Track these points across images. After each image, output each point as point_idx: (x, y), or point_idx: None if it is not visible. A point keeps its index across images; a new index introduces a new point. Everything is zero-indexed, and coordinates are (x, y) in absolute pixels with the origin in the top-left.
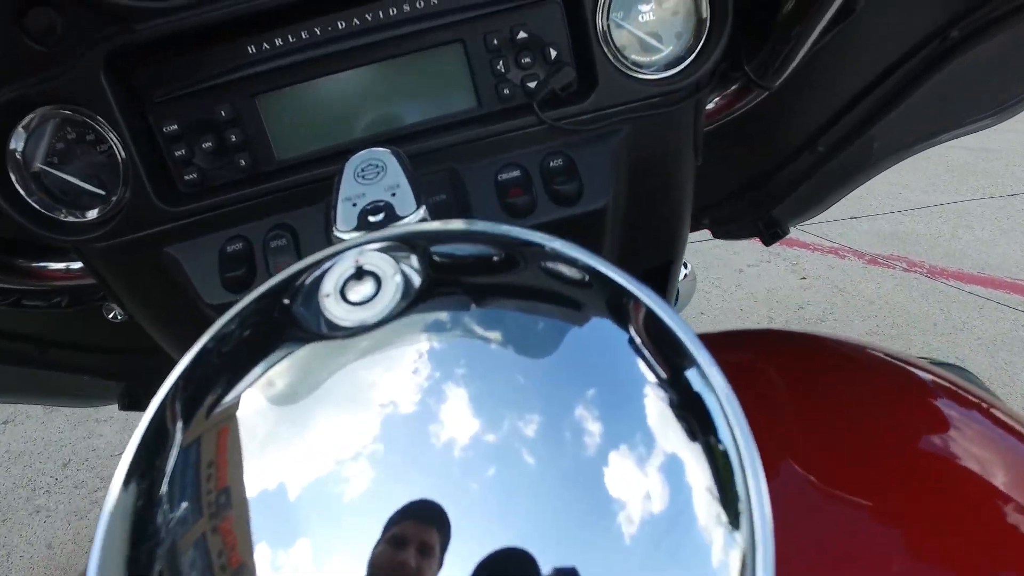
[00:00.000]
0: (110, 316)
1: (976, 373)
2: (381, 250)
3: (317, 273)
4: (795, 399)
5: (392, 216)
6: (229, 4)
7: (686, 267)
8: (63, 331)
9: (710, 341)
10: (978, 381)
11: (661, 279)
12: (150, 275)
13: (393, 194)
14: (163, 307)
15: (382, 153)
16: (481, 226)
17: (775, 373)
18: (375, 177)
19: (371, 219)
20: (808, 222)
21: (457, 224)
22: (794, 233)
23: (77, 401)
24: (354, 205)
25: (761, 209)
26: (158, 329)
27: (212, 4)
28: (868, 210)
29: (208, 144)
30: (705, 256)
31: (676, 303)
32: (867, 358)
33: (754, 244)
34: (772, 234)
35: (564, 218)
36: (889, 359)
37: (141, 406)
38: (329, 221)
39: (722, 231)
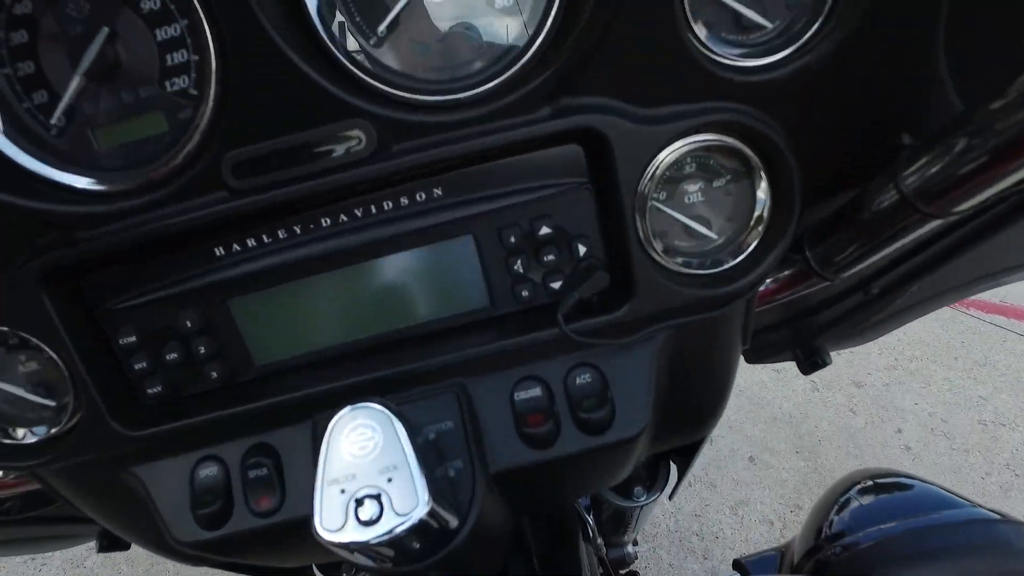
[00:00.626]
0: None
1: (1003, 420)
2: None
3: None
4: None
5: (388, 513)
6: (189, 209)
7: None
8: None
9: None
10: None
11: (688, 454)
12: (115, 492)
13: (390, 479)
14: (135, 522)
15: (375, 413)
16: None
17: None
18: (367, 448)
19: (361, 516)
20: None
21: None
22: None
23: (57, 545)
24: (342, 491)
25: (801, 339)
26: (136, 539)
27: (164, 208)
28: None
29: (174, 355)
30: None
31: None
32: None
33: None
34: (811, 363)
35: (592, 448)
36: None
37: (120, 546)
38: (315, 516)
39: (755, 357)
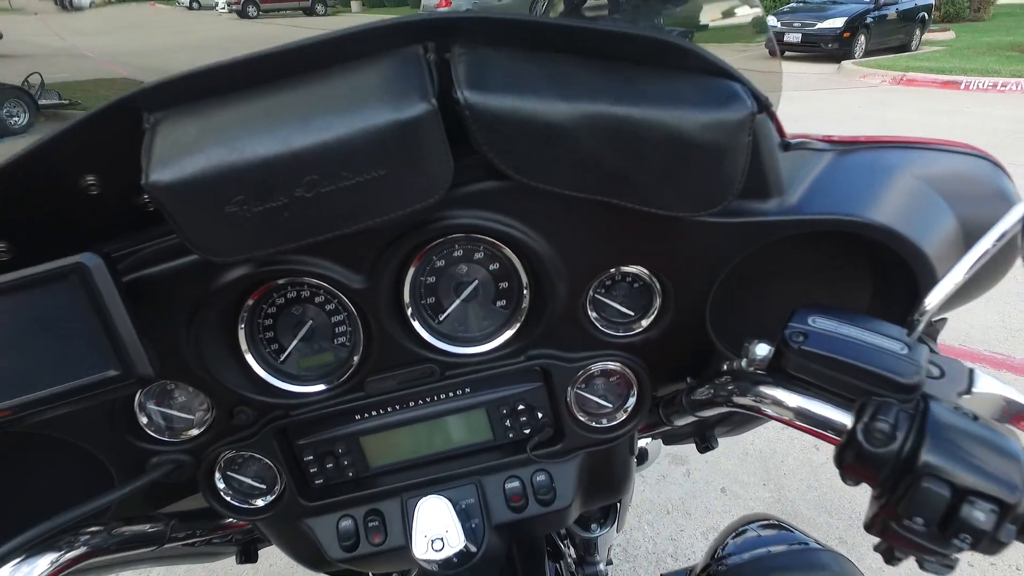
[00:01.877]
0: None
1: None
2: None
3: None
4: None
5: (446, 547)
6: (347, 401)
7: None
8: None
9: None
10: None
11: (613, 513)
12: (293, 533)
13: (447, 530)
14: (303, 549)
15: (439, 502)
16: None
17: None
18: (436, 521)
19: (435, 548)
20: None
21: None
22: None
23: (207, 559)
24: (424, 536)
25: (697, 432)
26: (294, 554)
27: (333, 401)
28: None
29: (330, 465)
30: None
31: (645, 463)
32: None
33: None
34: (705, 448)
35: (538, 514)
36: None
37: (252, 559)
38: (408, 539)
39: (670, 442)
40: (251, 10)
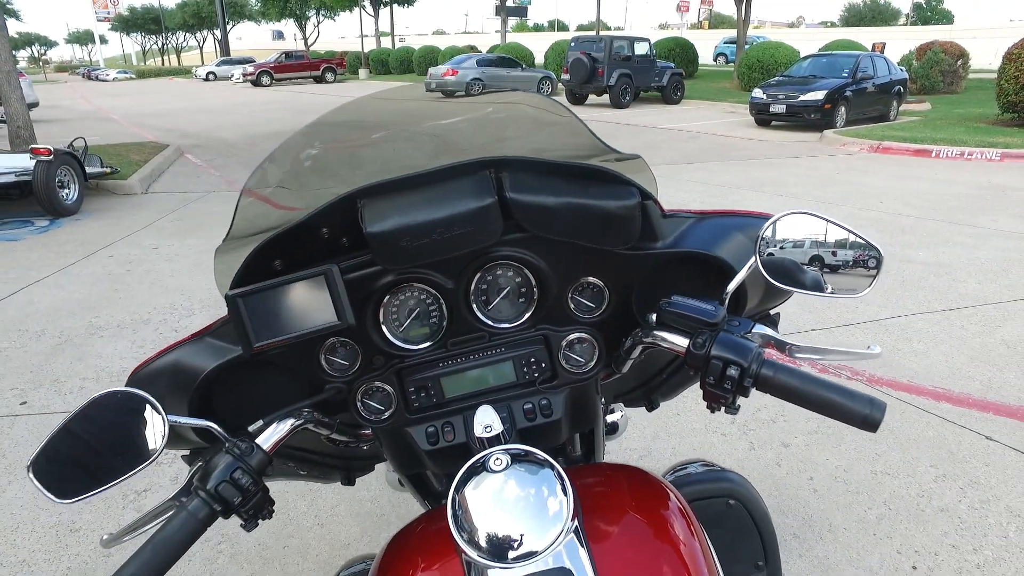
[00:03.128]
0: (363, 447)
1: (889, 471)
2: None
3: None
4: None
5: (492, 430)
6: (436, 355)
7: (623, 409)
8: (332, 450)
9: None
10: (737, 480)
11: (590, 436)
12: (397, 440)
13: (492, 421)
14: (401, 451)
15: (488, 410)
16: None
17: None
18: (485, 416)
19: (486, 431)
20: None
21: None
22: None
23: (319, 480)
24: (480, 424)
25: (646, 395)
26: (394, 458)
27: (429, 354)
28: (827, 323)
29: (423, 394)
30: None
31: (616, 433)
32: (655, 488)
33: None
34: (652, 406)
35: (543, 423)
36: (657, 480)
37: (352, 483)
38: (470, 432)
39: (628, 403)
40: (265, 80)
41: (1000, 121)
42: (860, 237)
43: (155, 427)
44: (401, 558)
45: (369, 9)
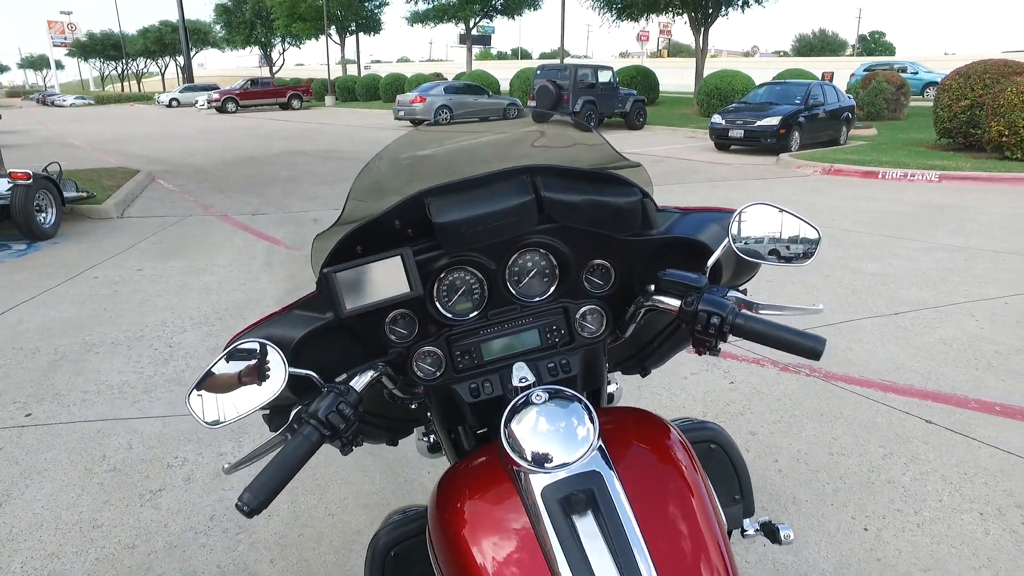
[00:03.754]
0: (412, 406)
1: (844, 452)
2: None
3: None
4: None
5: (526, 381)
6: (478, 324)
7: (617, 383)
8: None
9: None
10: (717, 428)
11: (596, 395)
12: (444, 397)
13: (526, 373)
14: (447, 407)
15: (522, 366)
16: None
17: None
18: (521, 371)
19: (521, 382)
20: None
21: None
22: (727, 348)
23: (370, 440)
24: (516, 375)
25: (639, 364)
26: (439, 413)
27: (472, 323)
28: None
29: (466, 357)
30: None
31: (612, 403)
32: (659, 424)
33: (694, 358)
34: (645, 372)
35: (563, 378)
36: (661, 419)
37: (395, 443)
38: (506, 385)
39: (627, 371)
40: (230, 106)
41: (938, 145)
42: (804, 221)
43: (276, 374)
44: (454, 487)
45: (335, 37)
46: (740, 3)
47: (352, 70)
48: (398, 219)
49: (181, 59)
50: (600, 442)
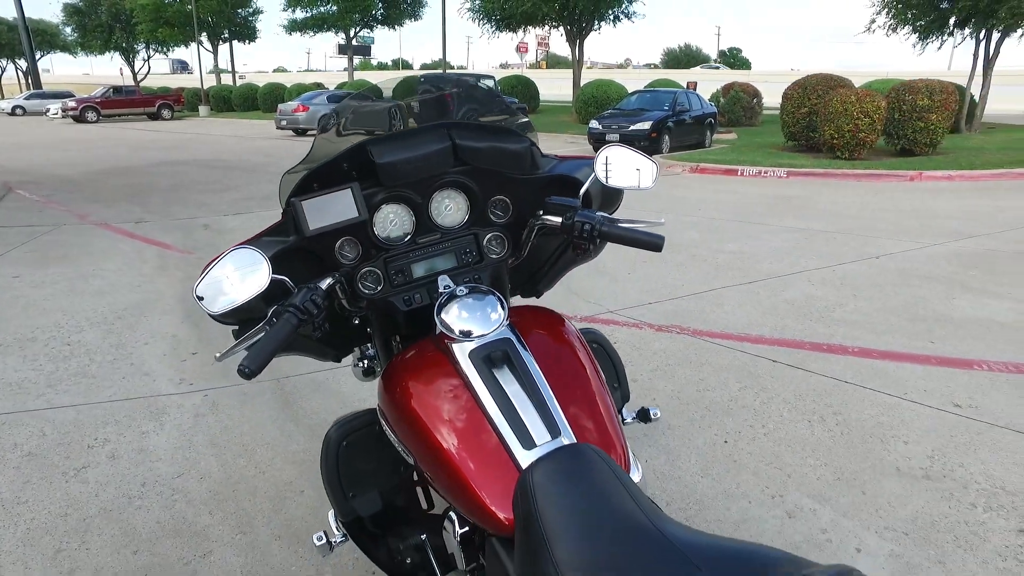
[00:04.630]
0: (356, 321)
1: (708, 388)
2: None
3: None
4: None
5: (451, 289)
6: (408, 248)
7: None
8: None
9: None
10: (598, 331)
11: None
12: (384, 308)
13: (447, 286)
14: (385, 316)
15: (445, 278)
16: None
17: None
18: (444, 282)
19: (445, 288)
20: (616, 307)
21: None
22: (607, 315)
23: (318, 356)
24: (443, 286)
25: (532, 284)
26: (379, 322)
27: (404, 248)
28: (659, 298)
29: (400, 275)
30: None
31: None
32: (557, 315)
33: (583, 325)
34: (538, 294)
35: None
36: (564, 317)
37: (339, 360)
38: (433, 295)
39: (523, 293)
40: (90, 115)
41: (786, 147)
42: (645, 156)
43: (262, 273)
44: (397, 372)
45: (207, 44)
46: (611, 18)
47: (227, 79)
48: (346, 162)
49: (23, 62)
50: (508, 321)
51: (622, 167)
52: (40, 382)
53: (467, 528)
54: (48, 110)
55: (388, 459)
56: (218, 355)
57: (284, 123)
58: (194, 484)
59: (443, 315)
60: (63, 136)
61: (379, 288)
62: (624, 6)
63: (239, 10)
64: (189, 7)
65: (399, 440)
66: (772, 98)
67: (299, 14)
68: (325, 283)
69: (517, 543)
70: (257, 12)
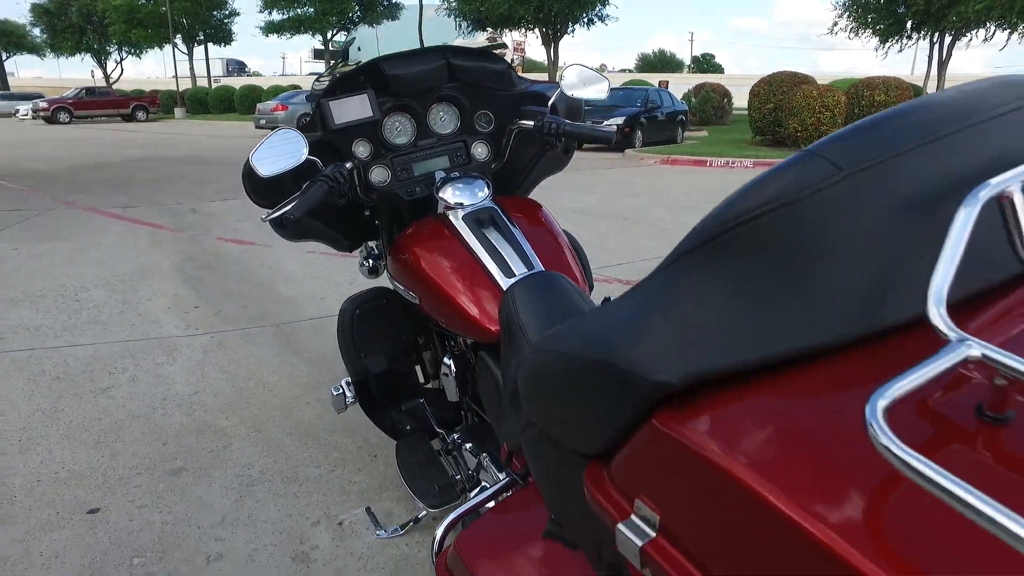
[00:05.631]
0: (367, 213)
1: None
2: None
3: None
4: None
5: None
6: (410, 149)
7: None
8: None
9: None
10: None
11: None
12: (391, 198)
13: (448, 179)
14: (391, 206)
15: (440, 173)
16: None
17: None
18: (440, 175)
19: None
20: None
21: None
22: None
23: (333, 244)
24: (438, 179)
25: (513, 191)
26: (385, 211)
27: (409, 149)
28: (628, 260)
29: (404, 172)
30: None
31: None
32: (536, 202)
33: None
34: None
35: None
36: (541, 204)
37: (351, 250)
38: (431, 186)
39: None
40: (63, 117)
41: (754, 142)
42: (599, 73)
43: (302, 148)
44: (404, 242)
45: (181, 46)
46: (585, 20)
47: (203, 82)
48: (363, 75)
49: None
50: (492, 197)
51: (582, 82)
52: (56, 327)
53: (461, 350)
54: (17, 111)
55: (393, 327)
56: (263, 216)
57: (263, 122)
58: (209, 399)
59: (440, 193)
60: (36, 136)
61: (387, 181)
62: (598, 9)
63: (214, 12)
64: (163, 8)
65: (406, 288)
66: (742, 100)
67: (276, 16)
68: (348, 164)
69: (502, 342)
70: (233, 14)
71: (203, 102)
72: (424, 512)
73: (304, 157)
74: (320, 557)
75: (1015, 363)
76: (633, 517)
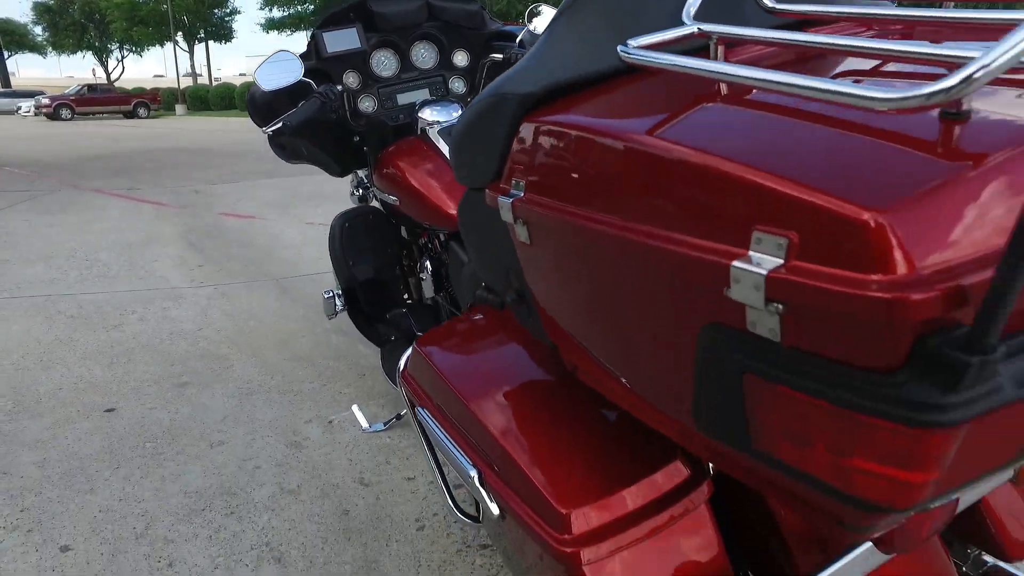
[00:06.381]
0: (356, 139)
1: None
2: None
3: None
4: None
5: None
6: (401, 80)
7: None
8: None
9: None
10: None
11: None
12: (378, 125)
13: (426, 102)
14: (377, 132)
15: (420, 93)
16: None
17: None
18: (421, 104)
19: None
20: None
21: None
22: None
23: (325, 167)
24: (419, 106)
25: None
26: (372, 136)
27: (397, 83)
28: None
29: (389, 101)
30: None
31: None
32: None
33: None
34: None
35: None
36: None
37: (342, 175)
38: (414, 116)
39: None
40: (65, 113)
41: None
42: None
43: (297, 68)
44: (385, 157)
45: (182, 44)
46: None
47: (202, 81)
48: (352, 12)
49: None
50: None
51: (547, 20)
52: (69, 279)
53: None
54: (19, 108)
55: (379, 239)
56: (264, 128)
57: None
58: (213, 334)
59: (419, 113)
60: (38, 132)
61: (373, 109)
62: None
63: (215, 10)
64: (164, 6)
65: (388, 193)
66: None
67: (276, 12)
68: (339, 87)
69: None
70: (234, 12)
71: (204, 99)
72: (405, 410)
73: (300, 75)
74: (311, 445)
75: None
76: (512, 192)
